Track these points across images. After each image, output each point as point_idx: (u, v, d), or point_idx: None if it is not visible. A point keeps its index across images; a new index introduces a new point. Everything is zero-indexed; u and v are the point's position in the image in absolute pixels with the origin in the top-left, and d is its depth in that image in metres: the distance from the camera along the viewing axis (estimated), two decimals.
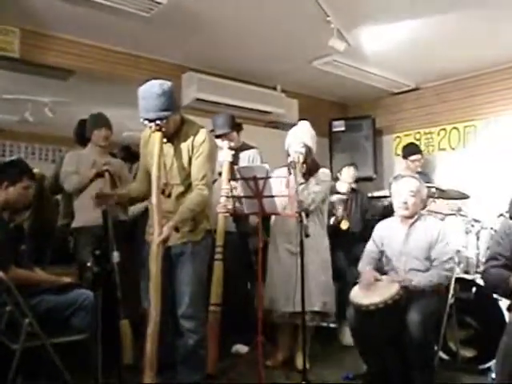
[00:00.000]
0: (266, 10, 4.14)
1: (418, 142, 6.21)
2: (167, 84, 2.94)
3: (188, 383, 3.13)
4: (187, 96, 5.23)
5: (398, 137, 6.63)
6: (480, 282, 3.75)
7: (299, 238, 3.30)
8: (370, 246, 3.68)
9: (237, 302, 4.12)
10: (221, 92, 5.37)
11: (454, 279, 3.58)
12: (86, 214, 3.98)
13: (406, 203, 3.51)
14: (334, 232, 4.35)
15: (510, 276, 2.66)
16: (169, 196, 3.10)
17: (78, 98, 5.83)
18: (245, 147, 4.31)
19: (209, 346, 3.41)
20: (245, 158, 4.21)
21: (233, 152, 4.08)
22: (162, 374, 2.96)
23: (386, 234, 3.63)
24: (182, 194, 3.10)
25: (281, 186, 3.43)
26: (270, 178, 3.35)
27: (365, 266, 3.57)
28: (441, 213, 4.35)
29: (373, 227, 3.79)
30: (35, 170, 3.85)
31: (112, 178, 4.10)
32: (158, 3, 3.90)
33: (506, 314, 3.53)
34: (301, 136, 3.83)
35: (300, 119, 4.21)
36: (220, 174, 3.92)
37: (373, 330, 3.22)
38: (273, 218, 3.97)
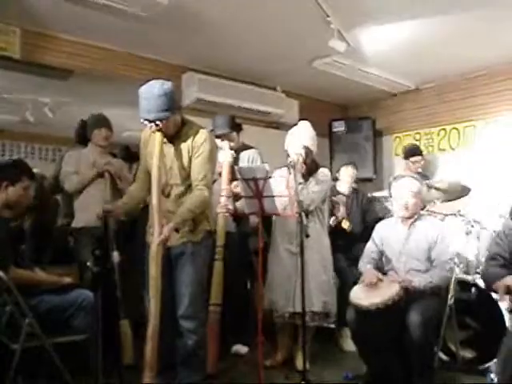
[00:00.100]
0: (267, 11, 4.14)
1: (417, 143, 6.23)
2: (168, 84, 2.95)
3: (188, 383, 3.13)
4: (187, 96, 5.23)
5: (398, 137, 6.63)
6: (480, 282, 3.75)
7: (299, 238, 3.30)
8: (370, 246, 3.69)
9: (237, 303, 4.12)
10: (221, 92, 5.37)
11: (453, 280, 3.58)
12: (86, 214, 3.99)
13: (406, 204, 3.51)
14: (334, 232, 4.34)
15: (507, 275, 2.66)
16: (168, 196, 3.11)
17: (79, 98, 5.84)
18: (245, 147, 4.31)
19: (209, 346, 3.41)
20: (244, 158, 4.21)
21: (233, 152, 4.08)
22: (161, 375, 2.97)
23: (386, 234, 3.63)
24: (182, 195, 3.10)
25: (281, 187, 3.43)
26: (269, 178, 3.35)
27: (365, 266, 3.57)
28: (441, 213, 4.35)
29: (373, 228, 3.79)
30: (35, 170, 3.85)
31: (112, 178, 4.11)
32: (159, 3, 3.90)
33: (506, 315, 3.54)
34: (300, 136, 3.84)
35: (300, 119, 4.21)
36: (220, 174, 3.92)
37: (373, 331, 3.23)
38: (273, 218, 3.98)
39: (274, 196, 3.40)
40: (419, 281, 3.28)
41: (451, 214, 4.24)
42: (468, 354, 3.81)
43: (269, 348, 3.79)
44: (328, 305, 3.83)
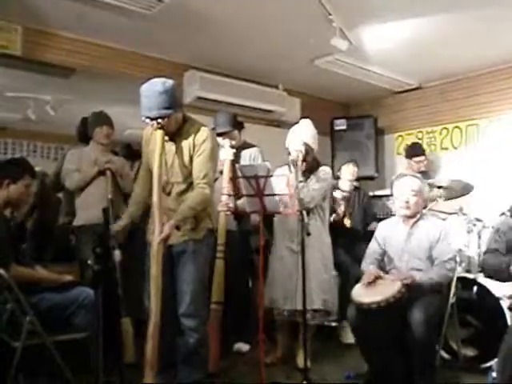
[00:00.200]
0: (269, 9, 4.14)
1: (420, 141, 6.21)
2: (169, 82, 2.94)
3: (189, 382, 3.12)
4: (189, 94, 5.23)
5: (400, 136, 6.62)
6: (481, 281, 3.75)
7: (300, 237, 3.30)
8: (372, 246, 3.69)
9: (238, 301, 4.12)
10: (223, 90, 5.36)
11: (455, 278, 3.57)
12: (87, 211, 3.99)
13: (407, 202, 3.50)
14: (334, 229, 4.34)
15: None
16: (169, 194, 3.10)
17: (80, 95, 5.84)
18: (246, 146, 4.31)
19: (210, 345, 3.40)
20: (246, 156, 4.21)
21: (234, 150, 4.08)
22: (162, 373, 2.96)
23: (388, 234, 3.63)
24: (183, 193, 3.10)
25: (281, 185, 3.43)
26: (271, 176, 3.35)
27: (368, 266, 3.57)
28: (443, 212, 4.34)
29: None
30: (37, 168, 3.85)
31: (114, 176, 4.11)
32: (161, 1, 3.90)
33: (508, 313, 3.53)
34: (301, 134, 3.83)
35: (302, 118, 4.20)
36: (221, 172, 3.92)
37: (374, 329, 3.22)
38: (275, 216, 3.97)
39: (275, 194, 3.39)
40: (420, 277, 3.28)
41: (453, 213, 4.23)
42: (469, 352, 3.80)
43: (269, 346, 3.78)
44: (328, 303, 3.83)
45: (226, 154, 4.00)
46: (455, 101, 6.00)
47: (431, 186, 4.19)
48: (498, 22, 4.35)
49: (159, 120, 2.92)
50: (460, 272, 3.69)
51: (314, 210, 3.83)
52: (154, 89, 2.89)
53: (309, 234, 3.26)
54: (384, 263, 3.61)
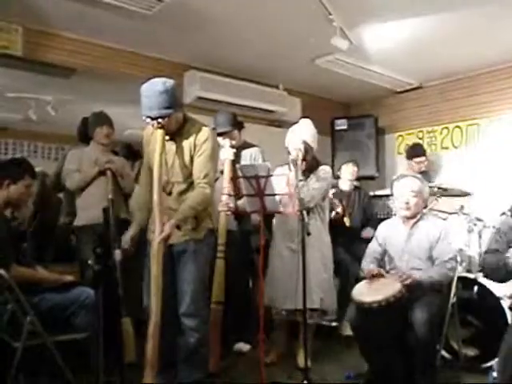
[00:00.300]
0: (269, 8, 4.14)
1: (420, 141, 6.21)
2: (170, 82, 2.94)
3: (189, 382, 3.12)
4: (189, 94, 5.23)
5: (401, 135, 6.62)
6: (482, 280, 3.75)
7: (301, 236, 3.30)
8: (372, 245, 3.69)
9: (238, 301, 4.12)
10: (223, 90, 5.37)
11: (456, 278, 3.57)
12: (87, 212, 4.00)
13: (407, 203, 3.50)
14: (334, 228, 4.34)
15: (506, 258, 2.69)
16: (170, 194, 3.10)
17: (81, 96, 5.85)
18: (246, 145, 4.31)
19: (211, 345, 3.41)
20: (246, 156, 4.20)
21: (234, 150, 4.08)
22: (163, 373, 2.96)
23: (389, 234, 3.63)
24: (184, 192, 3.10)
25: (281, 184, 3.42)
26: (271, 176, 3.35)
27: (368, 265, 3.57)
28: (443, 211, 4.34)
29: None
30: (38, 169, 3.86)
31: (114, 176, 4.10)
32: (161, 1, 3.90)
33: (508, 313, 3.53)
34: (300, 133, 3.83)
35: (302, 117, 4.20)
36: (221, 172, 3.92)
37: (375, 328, 3.22)
38: (274, 216, 3.97)
39: (275, 194, 3.39)
40: (420, 275, 3.27)
41: (454, 213, 4.23)
42: (470, 352, 3.80)
43: (269, 345, 3.78)
44: (325, 302, 3.83)
45: (226, 153, 4.00)
46: (455, 100, 6.00)
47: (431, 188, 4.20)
48: (498, 20, 4.35)
49: (159, 120, 2.93)
50: (461, 272, 3.69)
51: (313, 210, 3.83)
52: (154, 88, 2.89)
53: (309, 234, 3.26)
54: (384, 263, 3.61)
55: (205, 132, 3.08)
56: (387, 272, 3.48)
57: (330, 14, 4.18)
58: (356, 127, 6.51)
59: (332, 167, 4.45)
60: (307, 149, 3.77)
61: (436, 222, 3.60)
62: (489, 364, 3.56)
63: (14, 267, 3.02)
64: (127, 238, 3.15)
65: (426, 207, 3.90)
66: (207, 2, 4.01)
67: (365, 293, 3.24)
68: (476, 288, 3.81)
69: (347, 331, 4.21)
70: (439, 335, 3.42)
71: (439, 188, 4.26)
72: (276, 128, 6.13)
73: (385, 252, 3.61)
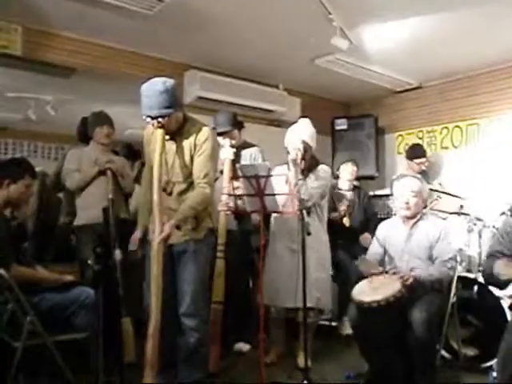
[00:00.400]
0: (269, 8, 4.13)
1: (420, 141, 6.20)
2: (170, 82, 2.94)
3: (189, 382, 3.13)
4: (189, 94, 5.22)
5: (401, 135, 6.61)
6: (482, 280, 3.75)
7: (301, 236, 3.29)
8: (373, 246, 3.70)
9: (238, 301, 4.12)
10: (223, 90, 5.36)
11: (455, 278, 3.57)
12: (87, 211, 4.00)
13: (407, 203, 3.50)
14: (333, 227, 4.34)
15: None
16: (170, 194, 3.11)
17: (81, 95, 5.85)
18: (246, 145, 4.31)
19: (211, 344, 3.41)
20: (246, 155, 4.21)
21: (234, 150, 4.08)
22: (162, 373, 2.96)
23: (389, 234, 3.63)
24: (184, 192, 3.10)
25: (281, 184, 3.43)
26: (271, 176, 3.35)
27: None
28: (443, 211, 4.34)
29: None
30: (38, 168, 3.85)
31: (114, 175, 4.10)
32: (161, 1, 3.90)
33: (508, 313, 3.53)
34: (299, 133, 3.83)
35: (302, 117, 4.20)
36: (221, 171, 3.92)
37: (375, 328, 3.22)
38: (272, 216, 3.97)
39: (275, 194, 3.39)
40: (419, 274, 3.27)
41: (454, 212, 4.24)
42: (470, 351, 3.80)
43: (269, 345, 3.78)
44: (322, 301, 3.84)
45: (226, 153, 4.00)
46: (455, 100, 5.99)
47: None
48: (498, 20, 4.34)
49: (160, 119, 2.93)
50: (460, 271, 3.69)
51: (312, 209, 3.83)
52: (154, 88, 2.90)
53: (309, 234, 3.26)
54: (384, 262, 3.61)
55: (205, 132, 3.08)
56: (386, 272, 3.48)
57: (330, 14, 4.17)
58: (356, 127, 6.49)
59: (332, 167, 4.46)
60: (306, 148, 3.77)
61: (436, 222, 3.60)
62: (488, 364, 3.56)
63: (14, 267, 3.02)
64: (134, 242, 3.15)
65: (425, 207, 3.90)
66: (208, 1, 4.01)
67: (364, 292, 3.24)
68: (476, 288, 3.81)
69: (347, 330, 4.22)
70: (439, 335, 3.42)
71: (432, 190, 4.27)
72: (275, 128, 6.13)
73: (385, 252, 3.61)
